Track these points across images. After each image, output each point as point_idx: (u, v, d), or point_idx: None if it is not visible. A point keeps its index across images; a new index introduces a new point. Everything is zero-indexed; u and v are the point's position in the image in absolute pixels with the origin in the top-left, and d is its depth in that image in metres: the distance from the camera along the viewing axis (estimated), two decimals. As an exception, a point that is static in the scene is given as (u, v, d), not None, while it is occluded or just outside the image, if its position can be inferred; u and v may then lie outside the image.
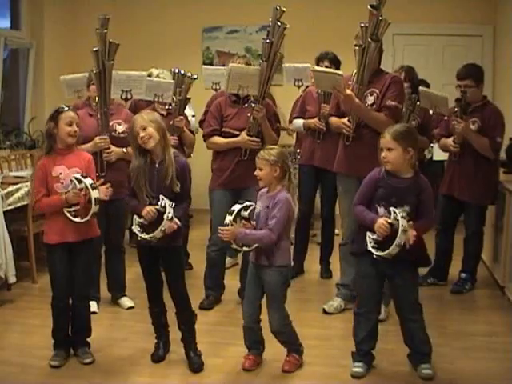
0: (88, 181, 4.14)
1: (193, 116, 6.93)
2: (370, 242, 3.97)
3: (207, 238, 5.54)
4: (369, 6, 4.75)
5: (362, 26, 4.83)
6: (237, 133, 5.24)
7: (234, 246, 4.12)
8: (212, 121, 5.35)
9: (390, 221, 3.89)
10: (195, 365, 4.24)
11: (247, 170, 5.13)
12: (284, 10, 5.05)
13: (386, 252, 3.87)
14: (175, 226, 4.08)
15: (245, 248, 4.13)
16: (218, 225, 5.29)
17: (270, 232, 4.00)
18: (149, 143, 4.12)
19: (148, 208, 4.06)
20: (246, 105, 5.20)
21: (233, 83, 5.14)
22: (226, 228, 4.02)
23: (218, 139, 5.32)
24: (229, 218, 4.04)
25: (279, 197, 4.05)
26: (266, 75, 5.15)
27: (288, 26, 5.06)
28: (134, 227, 4.15)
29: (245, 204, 4.13)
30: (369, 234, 3.99)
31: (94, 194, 4.12)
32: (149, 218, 4.06)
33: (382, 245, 3.93)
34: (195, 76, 5.75)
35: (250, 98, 5.23)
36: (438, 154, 6.60)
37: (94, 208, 4.15)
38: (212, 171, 5.45)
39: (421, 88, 5.96)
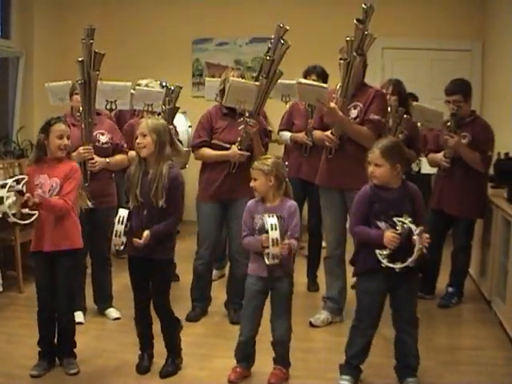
0: (7, 180, 4.09)
1: (189, 127, 6.97)
2: (384, 259, 3.90)
3: (194, 250, 5.51)
4: (355, 20, 4.78)
5: (347, 40, 4.85)
6: (227, 146, 5.20)
7: (278, 252, 3.92)
8: (202, 132, 5.30)
9: (399, 231, 3.86)
10: (164, 372, 4.27)
11: (236, 183, 5.15)
12: (287, 28, 5.03)
13: (411, 260, 3.82)
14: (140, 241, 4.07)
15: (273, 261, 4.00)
16: (205, 238, 5.33)
17: (297, 241, 4.09)
18: (142, 152, 4.14)
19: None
20: (242, 119, 5.15)
21: (231, 97, 5.12)
22: (287, 243, 3.97)
23: (207, 151, 5.27)
24: (276, 234, 3.87)
25: (294, 206, 4.13)
26: (263, 91, 5.14)
27: (290, 45, 5.04)
28: None
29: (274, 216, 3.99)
30: (378, 251, 3.91)
31: (0, 192, 4.05)
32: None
33: (394, 257, 3.89)
34: (180, 86, 5.78)
35: (245, 112, 5.17)
36: (426, 167, 6.61)
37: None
38: (199, 183, 5.41)
39: (415, 103, 5.98)
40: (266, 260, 3.96)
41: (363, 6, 4.77)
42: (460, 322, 5.59)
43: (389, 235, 3.87)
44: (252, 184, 4.14)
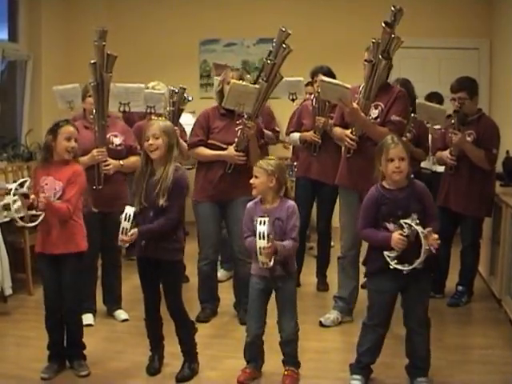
0: (11, 185, 4.05)
1: None
2: (393, 260, 3.87)
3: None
4: (383, 23, 4.73)
5: (373, 42, 4.82)
6: (224, 146, 5.20)
7: (264, 259, 3.92)
8: (199, 131, 5.29)
9: (405, 233, 3.82)
10: (180, 376, 4.23)
11: (231, 184, 5.17)
12: (290, 32, 5.00)
13: (418, 262, 3.78)
14: (126, 239, 4.01)
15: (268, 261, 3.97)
16: (207, 237, 5.32)
17: (295, 241, 4.06)
18: (153, 153, 4.11)
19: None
20: (240, 121, 5.14)
21: (231, 100, 5.09)
22: (269, 245, 3.87)
23: (204, 150, 5.26)
24: (264, 229, 3.86)
25: (292, 207, 4.10)
26: (263, 94, 5.13)
27: (292, 50, 5.01)
28: None
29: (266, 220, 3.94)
30: (386, 253, 3.88)
31: (6, 199, 3.99)
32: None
33: (403, 259, 3.86)
34: (184, 87, 5.70)
35: (244, 114, 5.16)
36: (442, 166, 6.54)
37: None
38: (195, 183, 5.37)
39: (418, 100, 5.97)
40: (260, 264, 3.96)
41: (392, 8, 4.72)
42: (470, 320, 5.57)
43: (396, 237, 3.84)
44: (252, 181, 4.11)
